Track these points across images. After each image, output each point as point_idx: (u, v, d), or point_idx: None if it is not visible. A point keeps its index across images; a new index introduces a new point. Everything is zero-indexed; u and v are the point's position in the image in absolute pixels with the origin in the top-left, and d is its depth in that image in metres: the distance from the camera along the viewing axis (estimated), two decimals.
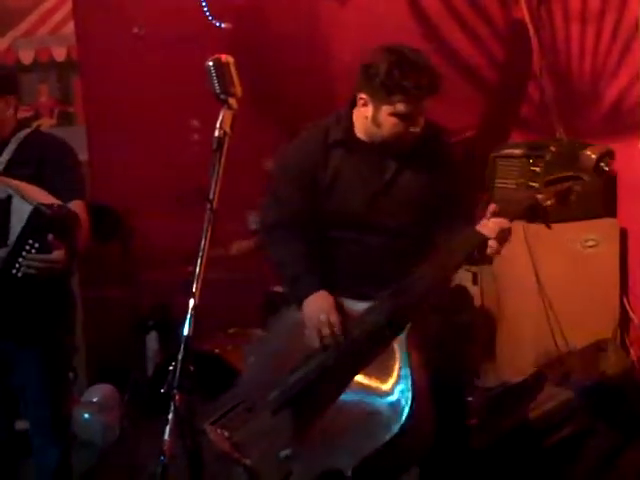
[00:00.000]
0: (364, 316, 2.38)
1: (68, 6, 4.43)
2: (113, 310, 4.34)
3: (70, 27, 4.44)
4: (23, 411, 3.03)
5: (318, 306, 2.45)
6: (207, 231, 1.77)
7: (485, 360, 3.86)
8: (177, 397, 1.70)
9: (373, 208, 2.52)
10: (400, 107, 2.40)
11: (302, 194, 2.56)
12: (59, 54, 4.48)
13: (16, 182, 2.79)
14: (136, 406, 3.76)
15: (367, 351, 2.33)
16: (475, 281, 3.95)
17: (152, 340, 4.17)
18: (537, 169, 3.75)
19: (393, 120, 2.42)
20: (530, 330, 3.79)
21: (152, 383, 3.69)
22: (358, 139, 2.55)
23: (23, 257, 2.69)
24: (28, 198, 2.73)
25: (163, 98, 4.46)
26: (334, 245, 2.58)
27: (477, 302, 3.94)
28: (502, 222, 2.32)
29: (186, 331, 1.72)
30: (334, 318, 2.40)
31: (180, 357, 1.71)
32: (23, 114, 4.42)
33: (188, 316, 1.72)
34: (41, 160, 2.89)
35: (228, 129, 1.89)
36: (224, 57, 1.92)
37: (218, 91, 1.89)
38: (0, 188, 2.76)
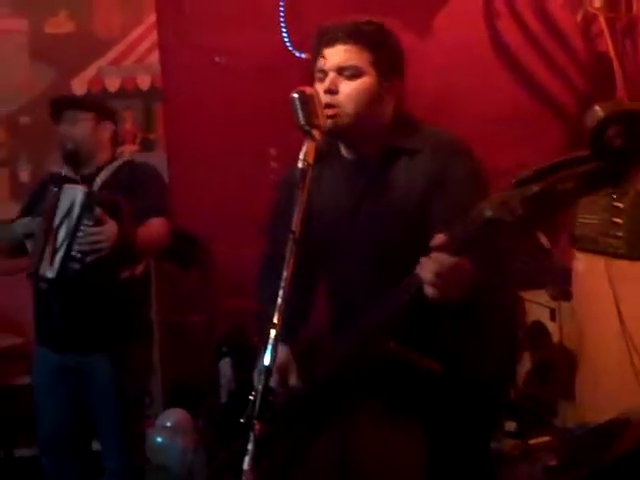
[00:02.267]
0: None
1: (153, 36, 4.55)
2: (190, 335, 4.38)
3: (155, 56, 4.56)
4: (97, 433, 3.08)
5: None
6: (290, 261, 1.76)
7: (563, 399, 3.76)
8: (257, 427, 1.69)
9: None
10: (319, 63, 2.02)
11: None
12: (144, 82, 4.60)
13: None
14: (210, 432, 3.78)
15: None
16: (553, 317, 3.86)
17: (226, 366, 4.19)
18: (621, 205, 3.66)
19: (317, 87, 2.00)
20: (612, 371, 3.64)
21: (225, 409, 3.70)
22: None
23: (80, 238, 2.81)
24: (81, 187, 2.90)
25: (242, 126, 4.51)
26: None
27: (555, 339, 3.85)
28: (440, 259, 1.72)
29: (267, 362, 1.71)
30: (286, 378, 2.09)
31: (260, 387, 1.70)
32: None
33: (269, 347, 1.71)
34: (131, 185, 3.02)
35: (311, 161, 1.88)
36: (308, 89, 1.91)
37: (302, 122, 1.87)
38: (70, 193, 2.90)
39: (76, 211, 2.85)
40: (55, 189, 2.93)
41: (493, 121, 3.70)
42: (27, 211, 3.10)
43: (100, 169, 3.06)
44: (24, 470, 2.96)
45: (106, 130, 3.11)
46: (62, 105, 3.08)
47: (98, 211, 2.82)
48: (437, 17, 4.39)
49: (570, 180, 1.54)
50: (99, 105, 3.19)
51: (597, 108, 1.48)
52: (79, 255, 2.81)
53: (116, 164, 3.10)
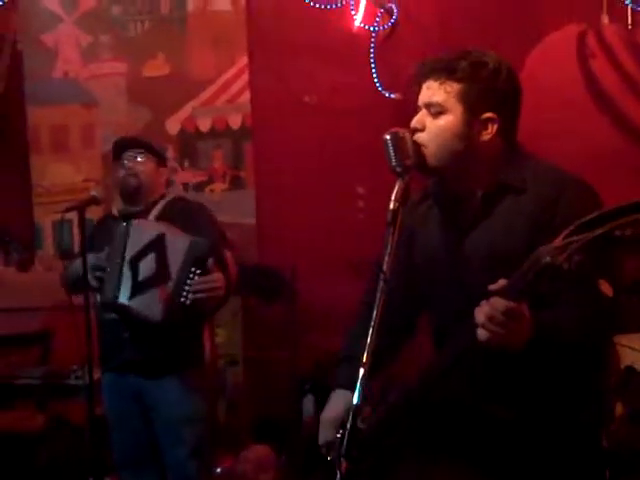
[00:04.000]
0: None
1: (245, 77, 4.66)
2: (273, 371, 4.42)
3: (246, 96, 4.67)
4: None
5: (326, 416, 2.09)
6: (380, 302, 1.78)
7: None
8: (344, 465, 1.70)
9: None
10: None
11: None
12: (234, 122, 4.71)
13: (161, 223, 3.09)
14: (292, 469, 3.79)
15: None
16: None
17: (309, 403, 4.20)
18: None
19: None
20: None
21: (308, 447, 3.70)
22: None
23: (189, 284, 2.90)
24: (180, 234, 3.00)
25: (330, 165, 4.57)
26: None
27: None
28: (494, 303, 1.68)
29: (355, 400, 1.73)
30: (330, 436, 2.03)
31: (349, 425, 1.72)
32: (199, 178, 4.69)
33: (358, 385, 1.73)
34: (184, 219, 3.14)
35: (402, 201, 1.89)
36: (401, 131, 1.93)
37: (394, 164, 1.89)
38: (148, 231, 3.02)
39: (180, 259, 2.94)
40: (122, 224, 3.06)
41: (585, 163, 3.65)
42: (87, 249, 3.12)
43: (153, 204, 3.21)
44: None
45: (163, 175, 3.30)
46: (126, 144, 3.24)
47: (210, 262, 2.94)
48: (530, 56, 4.38)
49: (629, 227, 1.50)
50: (158, 151, 3.34)
51: None
52: (188, 302, 2.91)
53: (166, 200, 3.25)
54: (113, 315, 3.05)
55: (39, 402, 4.26)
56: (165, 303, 2.92)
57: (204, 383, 3.21)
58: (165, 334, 3.00)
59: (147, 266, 2.99)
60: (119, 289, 2.97)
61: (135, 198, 3.20)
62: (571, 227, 1.57)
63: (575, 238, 1.56)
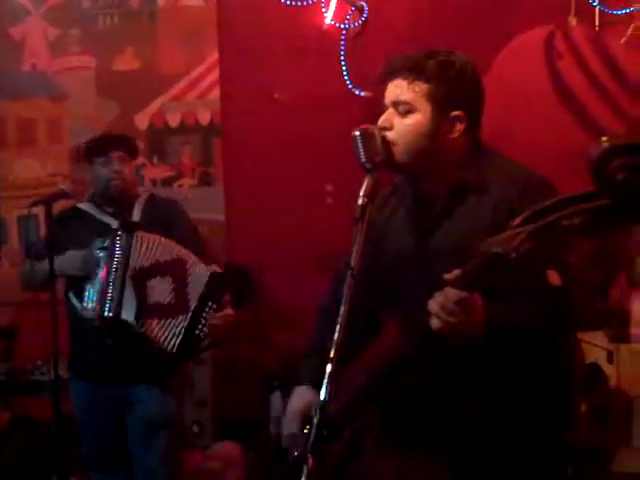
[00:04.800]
0: None
1: (215, 73, 4.64)
2: (241, 368, 4.41)
3: (216, 92, 4.66)
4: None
5: (291, 409, 2.11)
6: (347, 297, 1.78)
7: (620, 445, 3.68)
8: (310, 461, 1.70)
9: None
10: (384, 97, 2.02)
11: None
12: (204, 117, 4.69)
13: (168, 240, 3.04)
14: (260, 465, 3.78)
15: None
16: (610, 360, 3.80)
17: (276, 400, 4.20)
18: None
19: None
20: None
21: (275, 443, 3.70)
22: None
23: (204, 318, 2.94)
24: (198, 262, 3.00)
25: (300, 162, 4.57)
26: None
27: (612, 382, 3.79)
28: (447, 293, 1.72)
29: (322, 396, 1.73)
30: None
31: (315, 421, 1.72)
32: (167, 174, 4.67)
33: (325, 381, 1.73)
34: (167, 222, 3.15)
35: (370, 198, 1.89)
36: (370, 127, 1.93)
37: (363, 160, 1.90)
38: (160, 248, 3.01)
39: (198, 292, 2.96)
40: (118, 233, 2.99)
41: (550, 159, 3.69)
42: (49, 246, 3.03)
43: (131, 204, 3.18)
44: None
45: (132, 168, 3.26)
46: (112, 143, 3.18)
47: (227, 298, 3.00)
48: (498, 56, 4.40)
49: (577, 216, 1.47)
50: (135, 145, 3.32)
51: (603, 139, 1.40)
52: (202, 336, 2.96)
53: (142, 200, 3.22)
54: (94, 321, 2.98)
55: (3, 399, 4.22)
56: (182, 336, 2.93)
57: (177, 386, 3.23)
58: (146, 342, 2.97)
59: (161, 289, 2.97)
60: (121, 304, 2.92)
61: (117, 201, 3.17)
62: (520, 217, 1.56)
63: (522, 228, 1.55)
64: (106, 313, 2.92)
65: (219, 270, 3.03)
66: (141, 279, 2.96)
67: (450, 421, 1.97)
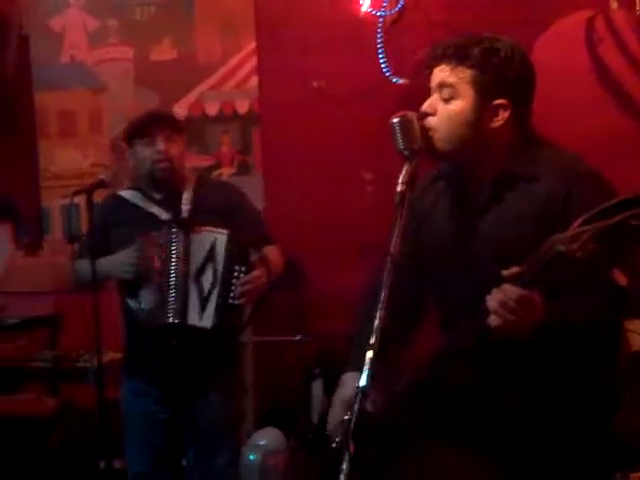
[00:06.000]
0: None
1: (253, 62, 4.66)
2: (282, 356, 4.43)
3: (254, 81, 4.67)
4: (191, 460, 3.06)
5: (339, 397, 2.09)
6: (387, 283, 1.78)
7: None
8: (352, 448, 1.71)
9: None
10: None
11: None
12: (242, 107, 4.70)
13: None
14: (301, 452, 3.80)
15: None
16: None
17: (317, 387, 4.21)
18: None
19: None
20: None
21: (317, 430, 3.72)
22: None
23: (234, 284, 2.78)
24: (218, 230, 2.83)
25: (338, 150, 4.56)
26: None
27: None
28: (507, 290, 1.70)
29: (363, 382, 1.73)
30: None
31: (356, 408, 1.72)
32: (206, 163, 4.70)
33: (366, 368, 1.73)
34: (223, 210, 2.95)
35: (409, 185, 1.89)
36: (409, 114, 1.92)
37: (402, 147, 1.89)
38: (206, 239, 2.85)
39: (221, 257, 2.80)
40: (172, 230, 2.84)
41: (591, 144, 3.65)
42: (90, 243, 2.91)
43: (180, 190, 2.97)
44: None
45: (182, 147, 3.01)
46: (157, 121, 2.95)
47: (254, 258, 2.81)
48: (539, 41, 4.35)
49: None
50: (180, 122, 3.12)
51: None
52: (236, 302, 2.79)
53: (192, 186, 3.00)
54: (154, 323, 2.84)
55: (49, 386, 4.29)
56: (215, 308, 2.79)
57: (239, 384, 3.16)
58: (209, 338, 2.84)
59: (208, 277, 2.83)
60: (186, 309, 2.80)
61: (164, 185, 2.95)
62: (585, 216, 1.57)
63: (589, 227, 1.56)
64: (171, 319, 2.80)
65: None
66: (198, 278, 2.83)
67: (497, 415, 1.95)
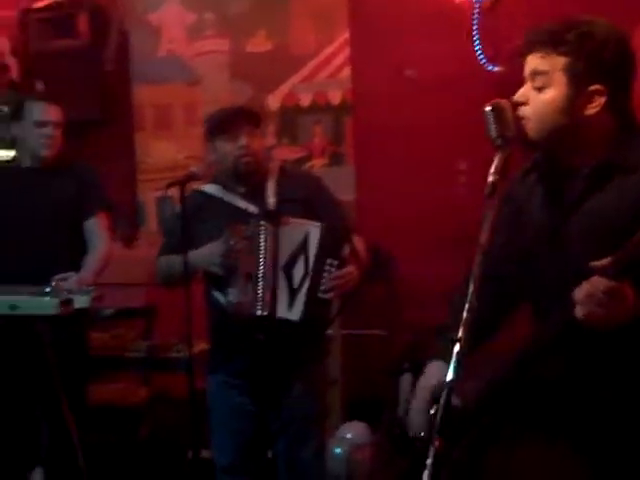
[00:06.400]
0: None
1: (346, 52, 4.64)
2: (372, 349, 4.40)
3: (347, 72, 4.65)
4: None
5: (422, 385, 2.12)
6: (477, 277, 1.73)
7: None
8: (437, 443, 1.66)
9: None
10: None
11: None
12: (334, 97, 4.69)
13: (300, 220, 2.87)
14: (388, 446, 3.76)
15: None
16: None
17: (406, 381, 4.15)
18: None
19: None
20: None
21: (404, 425, 3.68)
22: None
23: (324, 278, 2.77)
24: (312, 223, 2.81)
25: (431, 140, 4.50)
26: None
27: None
28: (595, 282, 1.66)
29: (450, 377, 1.69)
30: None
31: (442, 403, 1.68)
32: (298, 154, 4.71)
33: (453, 362, 1.69)
34: (307, 198, 2.94)
35: (502, 174, 1.83)
36: (503, 102, 1.86)
37: (495, 135, 1.83)
38: (297, 231, 2.84)
39: (314, 250, 2.79)
40: (261, 222, 2.82)
41: None
42: (183, 239, 2.87)
43: (263, 181, 2.96)
44: (210, 471, 3.07)
45: (263, 140, 3.02)
46: (238, 117, 2.93)
47: (346, 251, 2.79)
48: (639, 28, 4.18)
49: None
50: (260, 115, 3.08)
51: None
52: (326, 296, 2.78)
53: (274, 175, 2.98)
54: (243, 316, 2.83)
55: (144, 375, 4.37)
56: (304, 301, 2.78)
57: (325, 377, 3.16)
58: (297, 332, 2.82)
59: (299, 269, 2.81)
60: (275, 301, 2.79)
61: (248, 179, 2.94)
62: None
63: None
64: (259, 312, 2.79)
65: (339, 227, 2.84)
66: (288, 270, 2.81)
67: (586, 408, 1.89)
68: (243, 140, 2.89)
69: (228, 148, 2.91)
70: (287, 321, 2.80)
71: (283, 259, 2.84)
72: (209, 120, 3.01)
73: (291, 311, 2.79)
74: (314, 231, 2.81)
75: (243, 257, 2.81)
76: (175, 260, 2.89)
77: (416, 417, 2.04)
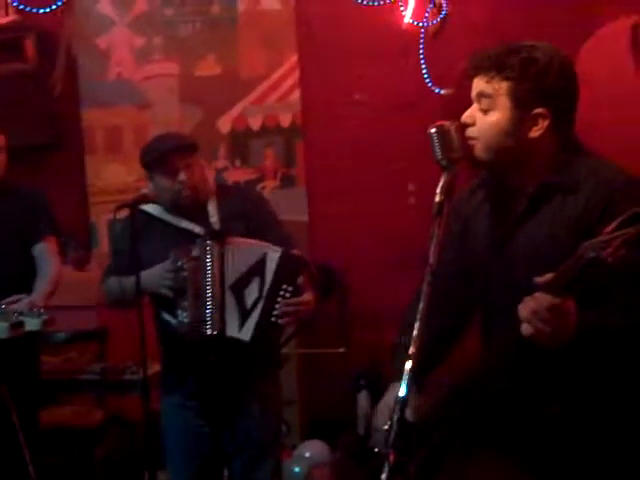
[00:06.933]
0: None
1: (295, 75, 4.69)
2: (327, 367, 4.43)
3: (296, 94, 4.70)
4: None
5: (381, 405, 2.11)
6: (427, 295, 1.78)
7: None
8: (391, 457, 1.70)
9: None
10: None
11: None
12: (285, 120, 4.74)
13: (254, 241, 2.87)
14: (347, 463, 3.80)
15: None
16: None
17: (363, 399, 4.21)
18: None
19: None
20: None
21: (363, 442, 3.71)
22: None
23: (279, 303, 2.76)
24: (273, 247, 2.81)
25: (381, 162, 4.57)
26: None
27: None
28: (539, 299, 1.68)
29: (402, 392, 1.73)
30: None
31: (395, 418, 1.72)
32: (250, 176, 4.74)
33: (405, 378, 1.73)
34: (245, 214, 2.94)
35: (448, 194, 1.88)
36: (447, 123, 1.91)
37: (439, 157, 1.88)
38: (249, 251, 2.82)
39: (271, 273, 2.77)
40: (207, 242, 2.80)
41: (638, 155, 3.59)
42: (133, 260, 2.83)
43: (203, 206, 2.93)
44: None
45: (200, 165, 2.95)
46: (166, 150, 2.86)
47: (301, 280, 2.78)
48: (583, 48, 4.32)
49: None
50: (191, 140, 3.02)
51: None
52: (279, 321, 2.76)
53: (214, 196, 2.96)
54: (192, 337, 2.80)
55: (98, 398, 4.34)
56: (256, 323, 2.76)
57: (280, 396, 3.13)
58: (248, 352, 2.82)
59: (251, 291, 2.79)
60: (224, 320, 2.76)
61: (190, 209, 2.91)
62: (616, 222, 1.57)
63: (620, 232, 1.56)
64: (209, 331, 2.76)
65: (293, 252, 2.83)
66: (238, 290, 2.79)
67: (535, 423, 1.93)
68: (182, 176, 2.85)
69: (167, 184, 2.87)
70: (237, 341, 2.79)
71: (232, 278, 2.82)
72: (145, 154, 2.95)
73: (241, 331, 2.79)
74: (272, 255, 2.81)
75: (191, 277, 2.80)
76: (126, 282, 2.86)
77: (375, 437, 2.06)
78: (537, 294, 1.70)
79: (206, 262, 2.80)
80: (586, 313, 1.73)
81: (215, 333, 2.77)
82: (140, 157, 2.97)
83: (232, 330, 2.78)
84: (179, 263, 2.80)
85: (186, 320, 2.79)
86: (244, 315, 2.79)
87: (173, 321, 2.85)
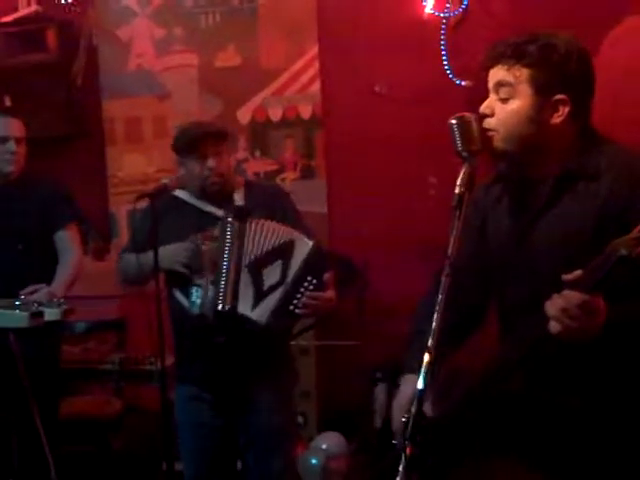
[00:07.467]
0: None
1: (315, 67, 4.67)
2: (345, 359, 4.43)
3: (316, 86, 4.68)
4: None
5: (397, 403, 2.11)
6: (445, 287, 1.76)
7: None
8: (408, 449, 1.70)
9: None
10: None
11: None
12: (305, 111, 4.73)
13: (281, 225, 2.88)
14: (363, 456, 3.80)
15: None
16: None
17: (380, 391, 4.20)
18: None
19: None
20: None
21: (379, 434, 3.70)
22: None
23: (301, 293, 2.76)
24: (305, 237, 2.83)
25: (401, 154, 4.55)
26: None
27: None
28: (569, 296, 1.67)
29: (420, 385, 1.72)
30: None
31: (413, 410, 1.71)
32: (270, 168, 4.74)
33: (423, 370, 1.72)
34: (270, 207, 2.96)
35: (468, 186, 1.87)
36: (467, 115, 1.90)
37: (460, 148, 1.87)
38: (274, 233, 2.84)
39: (298, 262, 2.78)
40: (228, 220, 2.82)
41: None
42: (152, 240, 2.85)
43: (229, 195, 2.97)
44: None
45: (230, 156, 3.03)
46: (205, 136, 2.94)
47: (328, 276, 2.78)
48: (606, 39, 4.27)
49: None
50: (225, 130, 3.08)
51: None
52: (298, 311, 2.76)
53: (240, 189, 3.01)
54: (203, 318, 2.80)
55: (116, 388, 4.36)
56: (274, 307, 2.75)
57: (293, 388, 3.12)
58: (258, 337, 2.80)
59: (272, 273, 2.79)
60: (237, 297, 2.75)
61: (215, 196, 2.96)
62: None
63: None
64: (220, 306, 2.74)
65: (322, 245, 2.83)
66: (256, 269, 2.78)
67: (554, 418, 1.92)
68: (211, 162, 2.90)
69: (196, 169, 2.92)
70: (248, 323, 2.76)
71: (251, 257, 2.81)
72: (177, 139, 3.01)
73: (254, 311, 2.76)
74: (303, 244, 2.81)
75: (208, 256, 2.82)
76: (143, 257, 2.86)
77: (396, 430, 2.05)
78: (566, 291, 1.69)
79: (226, 239, 2.81)
80: (615, 309, 1.72)
81: (227, 309, 2.75)
82: (173, 142, 3.02)
83: (244, 308, 2.76)
84: (198, 242, 2.83)
85: (199, 300, 2.80)
86: (259, 295, 2.77)
87: (186, 302, 2.86)
